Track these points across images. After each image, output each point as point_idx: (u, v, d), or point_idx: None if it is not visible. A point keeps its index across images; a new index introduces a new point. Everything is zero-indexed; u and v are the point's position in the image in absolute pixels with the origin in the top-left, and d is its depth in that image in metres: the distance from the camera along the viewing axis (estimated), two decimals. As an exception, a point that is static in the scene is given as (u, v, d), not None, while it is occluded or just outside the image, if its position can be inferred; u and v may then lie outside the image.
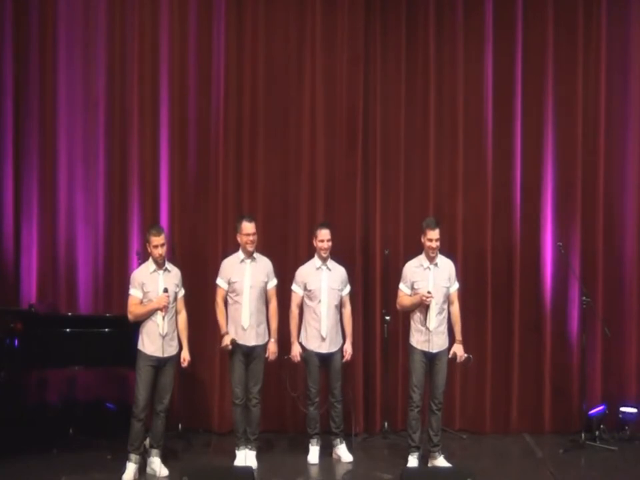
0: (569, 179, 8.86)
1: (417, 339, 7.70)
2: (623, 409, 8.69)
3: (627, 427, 8.59)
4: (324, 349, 7.90)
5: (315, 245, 7.97)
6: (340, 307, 8.00)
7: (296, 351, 7.92)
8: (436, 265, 7.72)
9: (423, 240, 7.72)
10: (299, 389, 8.28)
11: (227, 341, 7.71)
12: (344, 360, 8.03)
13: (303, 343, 7.95)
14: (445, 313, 7.74)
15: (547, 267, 8.88)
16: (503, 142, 8.88)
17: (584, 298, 8.40)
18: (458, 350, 7.75)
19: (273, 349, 7.83)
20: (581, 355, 8.60)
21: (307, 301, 7.94)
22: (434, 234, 7.64)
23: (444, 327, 7.73)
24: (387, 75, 8.88)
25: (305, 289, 7.93)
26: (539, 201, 8.88)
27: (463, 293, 8.74)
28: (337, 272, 8.01)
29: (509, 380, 8.84)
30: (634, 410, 8.66)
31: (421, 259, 7.78)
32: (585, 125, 8.85)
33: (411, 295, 7.74)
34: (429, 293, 7.59)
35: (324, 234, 7.91)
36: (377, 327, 8.78)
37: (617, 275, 8.86)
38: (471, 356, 7.87)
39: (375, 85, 8.86)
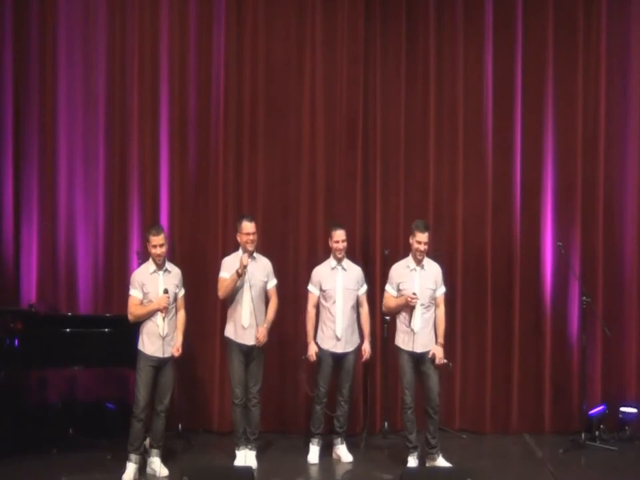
0: (569, 179, 8.86)
1: (402, 340, 7.73)
2: (622, 408, 8.69)
3: (627, 427, 8.59)
4: (339, 348, 7.90)
5: (330, 245, 7.96)
6: (357, 306, 8.00)
7: (312, 351, 7.89)
8: (422, 267, 7.72)
9: (411, 241, 7.73)
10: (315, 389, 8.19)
11: (244, 260, 7.62)
12: (362, 360, 8.04)
13: (319, 343, 7.94)
14: (431, 314, 7.73)
15: (547, 267, 8.88)
16: (502, 142, 8.88)
17: (584, 298, 8.39)
18: (437, 352, 7.67)
19: (262, 333, 7.72)
20: (581, 355, 8.60)
21: (322, 301, 7.94)
22: (423, 237, 7.65)
23: (430, 329, 7.71)
24: (387, 75, 8.88)
25: (321, 288, 7.92)
26: (539, 201, 8.88)
27: (463, 293, 8.79)
28: (353, 272, 8.01)
29: (509, 380, 8.84)
30: (634, 410, 8.66)
31: (408, 260, 7.78)
32: (585, 124, 8.85)
33: (396, 297, 7.74)
34: (414, 294, 7.59)
35: (339, 234, 7.91)
36: (376, 327, 8.75)
37: (617, 275, 8.86)
38: (450, 364, 7.88)
39: (375, 85, 8.86)
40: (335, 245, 7.93)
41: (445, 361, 7.73)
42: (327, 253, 8.38)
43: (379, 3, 8.83)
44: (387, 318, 8.56)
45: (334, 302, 7.88)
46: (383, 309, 7.92)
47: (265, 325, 7.79)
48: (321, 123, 8.83)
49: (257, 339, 7.71)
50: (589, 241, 8.85)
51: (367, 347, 8.01)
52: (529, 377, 8.85)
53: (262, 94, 8.81)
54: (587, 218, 8.85)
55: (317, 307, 7.97)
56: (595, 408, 8.58)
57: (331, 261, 7.98)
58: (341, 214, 8.79)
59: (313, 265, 8.68)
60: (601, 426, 8.48)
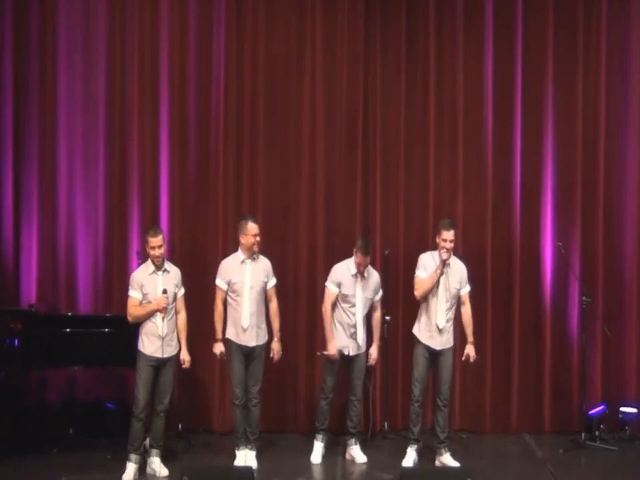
0: (569, 179, 8.86)
1: (422, 332, 7.74)
2: (622, 408, 8.69)
3: (627, 427, 8.59)
4: (352, 351, 7.90)
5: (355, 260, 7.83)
6: (371, 310, 7.99)
7: (334, 350, 7.84)
8: (448, 265, 7.72)
9: (437, 240, 7.72)
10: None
11: (217, 349, 7.75)
12: (368, 364, 8.04)
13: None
14: (453, 313, 7.77)
15: (547, 267, 8.88)
16: (502, 142, 8.88)
17: (584, 298, 8.40)
18: (470, 351, 7.80)
19: (277, 349, 7.83)
20: (580, 355, 8.60)
21: (341, 302, 7.90)
22: (448, 234, 7.64)
23: (450, 325, 7.74)
24: (387, 74, 8.88)
25: (340, 289, 7.86)
26: (539, 201, 8.88)
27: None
28: (371, 280, 7.92)
29: (509, 380, 8.84)
30: (634, 410, 8.66)
31: (435, 255, 7.77)
32: (584, 125, 8.85)
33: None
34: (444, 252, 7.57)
35: (364, 260, 7.80)
36: (376, 327, 8.77)
37: (617, 275, 8.86)
38: (478, 357, 7.96)
39: (375, 85, 8.86)
40: (357, 265, 7.79)
41: (476, 357, 7.86)
42: (326, 253, 8.44)
43: (379, 3, 8.83)
44: (387, 318, 8.55)
45: (352, 305, 7.85)
46: (417, 293, 7.76)
47: (276, 339, 7.83)
48: (321, 123, 8.83)
49: (273, 357, 7.79)
50: (589, 240, 8.85)
51: (373, 352, 7.98)
52: (529, 376, 8.85)
53: (262, 94, 8.81)
54: (586, 218, 8.85)
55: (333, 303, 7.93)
56: (595, 408, 8.58)
57: (351, 267, 7.87)
58: (341, 214, 8.80)
59: (313, 265, 8.72)
60: (601, 426, 8.48)
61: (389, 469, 7.63)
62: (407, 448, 7.81)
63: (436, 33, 8.84)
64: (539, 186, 8.88)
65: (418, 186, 8.90)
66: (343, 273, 7.89)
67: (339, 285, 7.87)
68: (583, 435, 8.32)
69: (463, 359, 7.82)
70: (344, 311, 7.88)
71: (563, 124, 8.86)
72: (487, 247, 8.84)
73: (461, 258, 8.02)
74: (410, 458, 7.75)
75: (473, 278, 8.79)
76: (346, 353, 7.90)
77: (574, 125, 8.84)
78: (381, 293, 8.06)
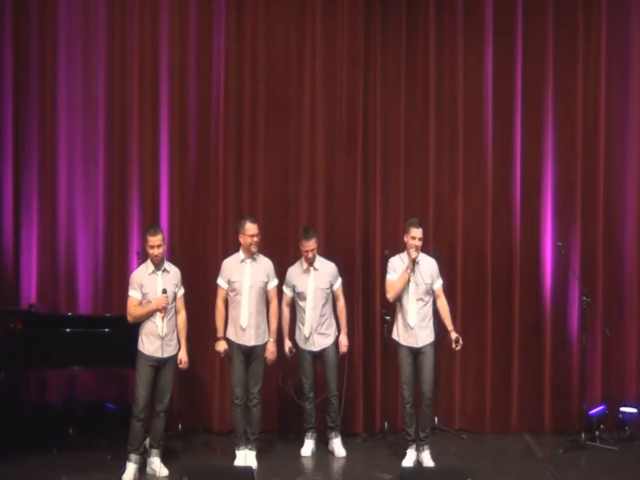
0: (569, 179, 8.87)
1: (401, 334, 7.80)
2: (622, 409, 8.69)
3: (627, 427, 8.59)
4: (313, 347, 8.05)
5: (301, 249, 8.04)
6: (334, 300, 8.11)
7: (287, 346, 8.03)
8: (417, 262, 7.75)
9: (405, 239, 7.78)
10: (290, 384, 8.27)
11: (219, 347, 7.77)
12: (340, 353, 8.10)
13: (297, 341, 8.10)
14: (428, 309, 7.78)
15: (547, 267, 8.88)
16: (503, 142, 8.89)
17: (584, 298, 8.39)
18: (453, 336, 7.69)
19: (271, 349, 7.84)
20: (581, 355, 8.60)
21: (298, 300, 8.07)
22: (417, 232, 7.70)
23: (427, 322, 7.76)
24: (387, 75, 8.88)
25: (294, 290, 8.06)
26: (539, 201, 8.88)
27: (463, 293, 8.79)
28: (325, 270, 8.07)
29: (509, 380, 8.84)
30: (634, 410, 8.66)
31: (403, 256, 7.83)
32: (585, 124, 8.85)
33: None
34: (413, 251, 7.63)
35: (309, 244, 7.96)
36: (376, 327, 8.78)
37: (617, 275, 8.86)
38: (459, 338, 7.74)
39: (375, 85, 8.86)
40: (304, 254, 8.00)
41: (456, 336, 7.70)
42: (326, 253, 8.41)
43: (379, 3, 8.83)
44: (387, 318, 8.55)
45: (306, 301, 8.01)
46: (389, 295, 7.85)
47: (271, 340, 7.84)
48: (321, 122, 8.83)
49: (267, 357, 7.80)
50: (588, 240, 8.85)
51: (343, 340, 8.10)
52: (529, 377, 8.85)
53: (262, 94, 8.81)
54: (586, 218, 8.85)
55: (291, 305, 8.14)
56: (595, 408, 8.58)
57: (302, 263, 8.06)
58: (341, 214, 8.80)
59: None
60: (601, 426, 8.48)
61: (389, 469, 7.63)
62: (406, 449, 7.82)
63: (436, 32, 8.85)
64: (539, 186, 8.88)
65: (418, 186, 8.91)
66: (294, 273, 8.10)
67: (293, 288, 8.06)
68: (582, 434, 8.31)
69: (453, 346, 7.69)
70: (301, 310, 8.04)
71: (563, 124, 8.87)
72: (487, 247, 8.84)
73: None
74: (410, 458, 7.77)
75: (473, 278, 8.85)
76: (312, 350, 8.05)
77: (574, 125, 8.84)
78: (339, 281, 8.14)
